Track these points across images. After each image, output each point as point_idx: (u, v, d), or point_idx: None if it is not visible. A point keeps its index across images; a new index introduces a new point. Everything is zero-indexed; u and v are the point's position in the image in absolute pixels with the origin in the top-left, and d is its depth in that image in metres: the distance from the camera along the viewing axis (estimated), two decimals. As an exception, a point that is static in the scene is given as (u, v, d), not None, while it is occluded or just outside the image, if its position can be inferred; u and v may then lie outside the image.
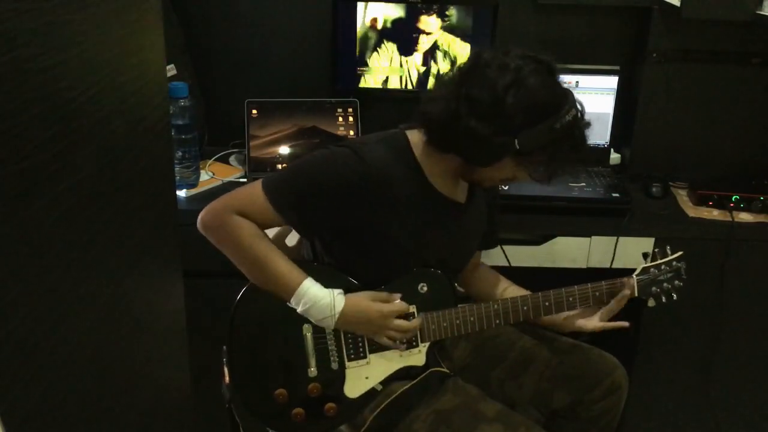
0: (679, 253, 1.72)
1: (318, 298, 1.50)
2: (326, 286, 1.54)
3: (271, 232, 1.65)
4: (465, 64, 1.50)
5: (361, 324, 1.55)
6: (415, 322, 1.58)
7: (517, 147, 1.41)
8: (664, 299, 1.71)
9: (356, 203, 1.50)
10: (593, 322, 1.68)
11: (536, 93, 1.41)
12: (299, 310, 1.52)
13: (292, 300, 1.52)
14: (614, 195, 2.16)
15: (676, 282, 1.71)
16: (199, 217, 1.55)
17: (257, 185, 1.52)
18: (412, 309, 1.59)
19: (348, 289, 1.57)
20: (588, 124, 1.50)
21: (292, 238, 1.78)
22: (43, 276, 0.72)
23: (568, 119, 1.42)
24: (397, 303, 1.57)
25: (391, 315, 1.55)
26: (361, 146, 1.52)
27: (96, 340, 0.85)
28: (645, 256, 1.72)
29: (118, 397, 0.93)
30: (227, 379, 1.63)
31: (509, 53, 1.45)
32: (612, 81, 2.29)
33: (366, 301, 1.55)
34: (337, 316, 1.51)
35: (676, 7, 2.11)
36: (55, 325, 0.75)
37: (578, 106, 1.46)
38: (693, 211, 2.19)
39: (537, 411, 1.79)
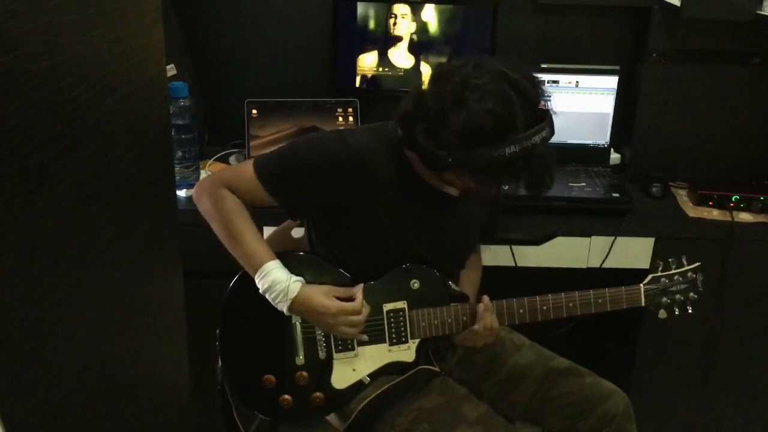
0: (696, 264, 1.66)
1: (276, 281, 1.52)
2: (313, 277, 1.57)
3: (273, 229, 1.65)
4: (437, 68, 1.52)
5: (312, 317, 1.57)
6: (362, 316, 1.57)
7: (450, 162, 1.41)
8: (677, 311, 1.64)
9: (339, 184, 1.53)
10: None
11: (477, 119, 1.36)
12: (260, 290, 1.54)
13: (255, 278, 1.55)
14: (614, 195, 2.16)
15: (691, 294, 1.65)
16: (194, 188, 1.65)
17: (249, 163, 1.58)
18: (365, 308, 1.58)
19: (339, 284, 1.59)
20: (548, 156, 1.41)
21: (299, 230, 1.80)
22: (43, 276, 0.72)
23: (512, 150, 1.36)
24: (351, 304, 1.56)
25: (341, 313, 1.55)
26: (347, 132, 1.59)
27: (96, 339, 0.85)
28: (657, 266, 1.67)
29: (118, 397, 0.93)
30: (220, 362, 1.66)
31: (483, 66, 1.41)
32: (612, 81, 2.29)
33: (317, 296, 1.55)
34: (288, 302, 1.53)
35: (676, 7, 2.10)
36: (54, 325, 0.75)
37: (535, 140, 1.37)
38: (693, 211, 2.19)
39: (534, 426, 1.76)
